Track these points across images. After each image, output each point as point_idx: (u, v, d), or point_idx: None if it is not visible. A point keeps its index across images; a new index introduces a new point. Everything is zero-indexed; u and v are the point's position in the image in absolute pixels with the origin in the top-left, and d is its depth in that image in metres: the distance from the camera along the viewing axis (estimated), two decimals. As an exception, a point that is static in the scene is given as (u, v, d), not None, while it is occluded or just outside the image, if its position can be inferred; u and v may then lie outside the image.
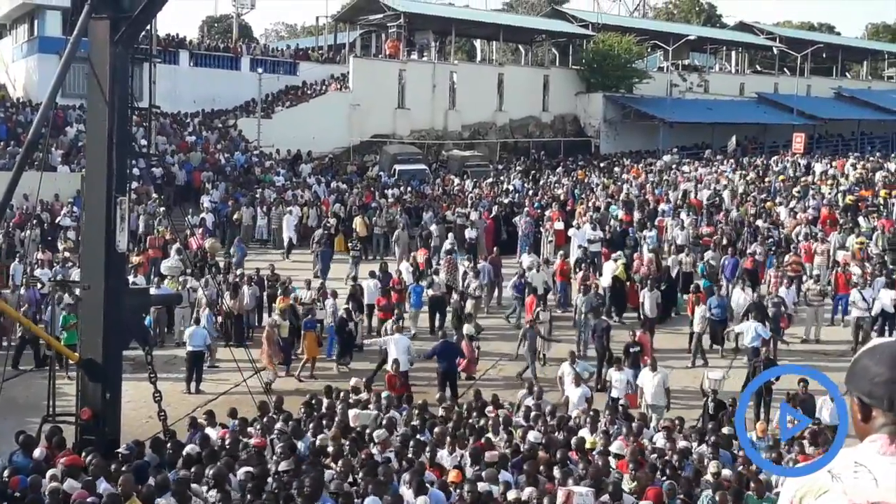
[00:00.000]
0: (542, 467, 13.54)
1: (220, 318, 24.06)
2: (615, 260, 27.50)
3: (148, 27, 14.43)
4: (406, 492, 12.12)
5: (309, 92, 52.41)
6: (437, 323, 25.79)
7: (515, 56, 73.05)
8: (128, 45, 12.86)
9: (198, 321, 22.64)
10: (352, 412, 16.77)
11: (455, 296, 26.01)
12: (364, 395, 18.33)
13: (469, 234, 32.74)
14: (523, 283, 25.98)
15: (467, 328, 23.17)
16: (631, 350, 20.97)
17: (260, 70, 50.32)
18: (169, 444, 14.10)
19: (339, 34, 62.72)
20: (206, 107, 49.00)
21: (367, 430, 15.53)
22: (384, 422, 15.90)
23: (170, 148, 40.96)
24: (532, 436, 15.24)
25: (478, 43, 74.12)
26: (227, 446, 13.99)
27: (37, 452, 13.22)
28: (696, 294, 24.67)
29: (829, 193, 37.38)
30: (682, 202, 36.45)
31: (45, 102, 13.10)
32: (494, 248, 30.08)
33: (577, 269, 27.77)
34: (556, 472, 13.49)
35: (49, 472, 12.10)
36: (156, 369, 16.31)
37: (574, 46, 66.21)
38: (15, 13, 50.54)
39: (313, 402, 17.66)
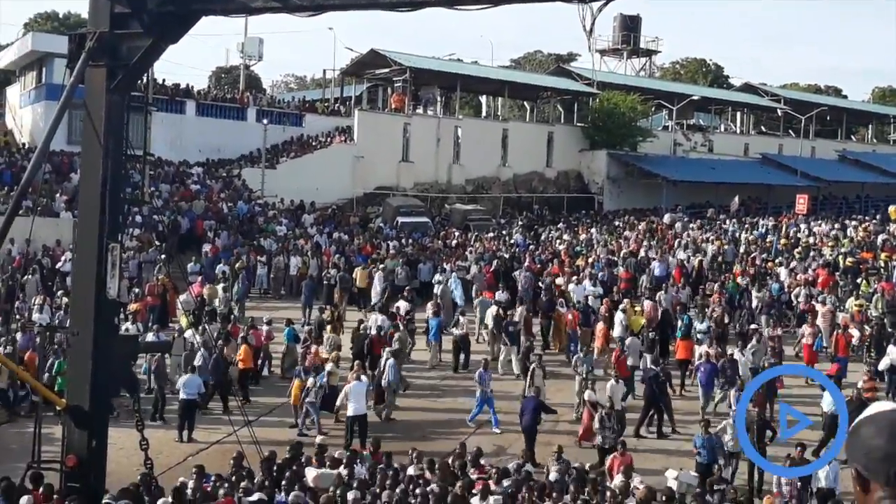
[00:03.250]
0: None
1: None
2: (623, 311, 27.59)
3: (145, 75, 14.49)
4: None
5: (314, 143, 52.69)
6: (460, 361, 26.94)
7: (520, 112, 73.55)
8: (124, 92, 12.95)
9: (192, 369, 22.49)
10: (311, 472, 16.36)
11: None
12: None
13: (500, 296, 31.11)
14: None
15: (589, 394, 21.30)
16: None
17: (265, 121, 50.57)
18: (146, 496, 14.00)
19: (346, 87, 63.29)
20: (211, 156, 49.39)
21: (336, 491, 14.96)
22: (355, 483, 15.44)
23: (173, 196, 41.17)
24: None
25: (483, 98, 74.67)
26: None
27: (24, 501, 13.08)
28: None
29: (830, 255, 37.27)
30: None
31: (40, 148, 13.15)
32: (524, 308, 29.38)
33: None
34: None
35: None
36: (143, 417, 16.19)
37: (579, 104, 66.57)
38: (23, 60, 51.21)
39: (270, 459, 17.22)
